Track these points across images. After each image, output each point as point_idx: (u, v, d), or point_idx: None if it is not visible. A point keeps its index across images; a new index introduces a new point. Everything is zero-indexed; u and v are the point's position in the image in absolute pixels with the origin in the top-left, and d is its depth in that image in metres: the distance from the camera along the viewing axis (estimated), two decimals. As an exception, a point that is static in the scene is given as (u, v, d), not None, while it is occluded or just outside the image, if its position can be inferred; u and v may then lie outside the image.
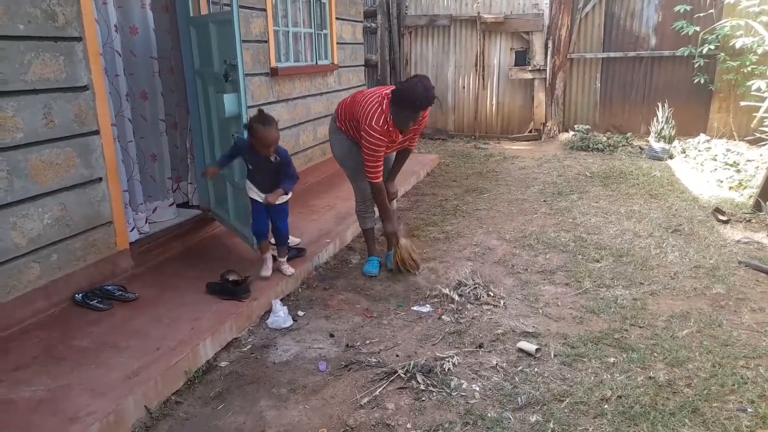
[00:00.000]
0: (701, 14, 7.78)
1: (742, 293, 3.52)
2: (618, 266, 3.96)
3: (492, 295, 3.55)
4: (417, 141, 3.86)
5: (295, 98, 5.82)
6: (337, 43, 6.72)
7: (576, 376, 2.69)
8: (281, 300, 3.46)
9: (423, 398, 2.55)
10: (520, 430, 2.33)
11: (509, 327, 3.17)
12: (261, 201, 3.47)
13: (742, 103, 7.16)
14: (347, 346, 3.03)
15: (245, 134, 3.36)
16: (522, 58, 9.03)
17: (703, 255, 4.11)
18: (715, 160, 6.81)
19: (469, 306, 3.43)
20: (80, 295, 3.22)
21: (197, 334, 2.91)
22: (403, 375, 2.70)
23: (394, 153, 3.87)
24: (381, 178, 3.60)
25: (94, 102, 3.35)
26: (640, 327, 3.14)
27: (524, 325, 3.19)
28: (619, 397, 2.50)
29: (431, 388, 2.61)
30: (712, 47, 7.68)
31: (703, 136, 7.79)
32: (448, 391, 2.59)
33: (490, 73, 9.27)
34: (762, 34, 6.81)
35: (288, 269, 3.68)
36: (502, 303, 3.46)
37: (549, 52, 8.72)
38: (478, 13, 8.98)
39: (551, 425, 2.34)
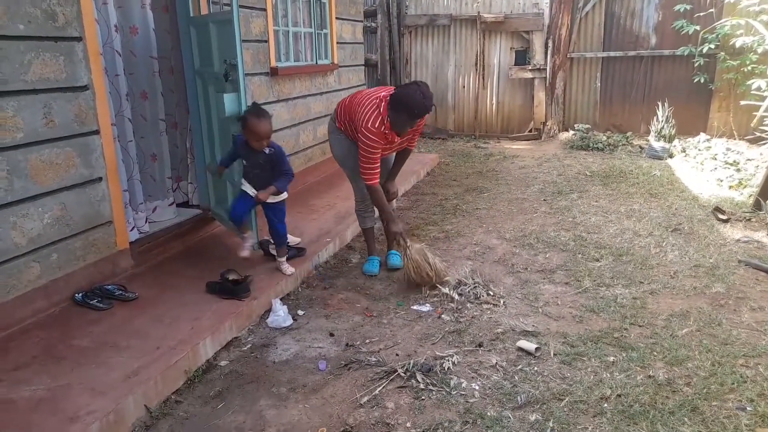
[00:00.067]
0: (701, 13, 7.78)
1: (741, 292, 3.52)
2: (618, 265, 3.97)
3: (492, 294, 3.55)
4: (417, 141, 3.86)
5: (295, 98, 5.83)
6: (337, 43, 6.73)
7: (575, 375, 2.69)
8: (281, 299, 3.46)
9: (423, 397, 2.55)
10: (519, 428, 2.33)
11: (509, 326, 3.17)
12: (251, 194, 3.47)
13: (742, 102, 7.16)
14: (347, 345, 3.03)
15: (240, 128, 3.37)
16: (522, 58, 9.03)
17: (703, 254, 4.12)
18: (715, 159, 6.80)
19: (468, 305, 3.43)
20: (80, 294, 3.23)
21: (197, 333, 2.91)
22: (402, 374, 2.70)
23: (394, 153, 3.87)
24: (377, 180, 3.58)
25: (94, 102, 3.36)
26: (640, 326, 3.14)
27: (524, 324, 3.19)
28: (619, 395, 2.50)
29: (431, 387, 2.61)
30: (712, 46, 7.68)
31: (703, 135, 7.79)
32: (448, 390, 2.59)
33: (490, 72, 9.27)
34: (762, 33, 6.81)
35: (288, 268, 3.68)
36: (501, 302, 3.46)
37: (549, 52, 8.72)
38: (478, 12, 8.98)
39: (551, 424, 2.34)
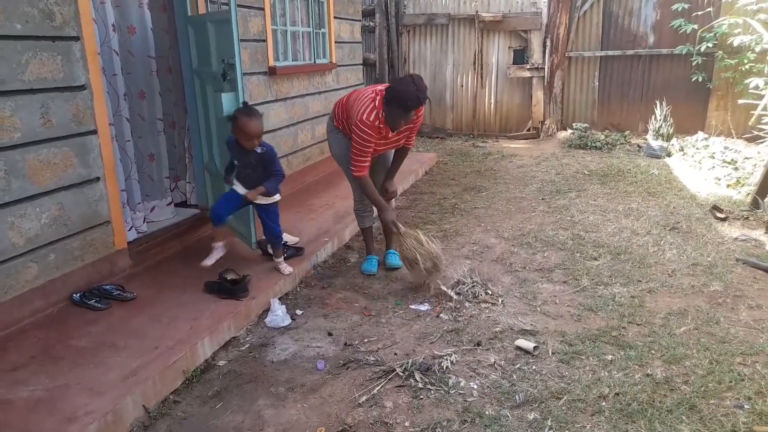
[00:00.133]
0: (699, 12, 7.79)
1: (739, 290, 3.52)
2: (616, 264, 3.97)
3: (490, 293, 3.56)
4: (414, 139, 3.85)
5: (293, 97, 5.82)
6: (336, 42, 6.72)
7: (574, 373, 2.69)
8: (279, 299, 3.46)
9: (421, 396, 2.55)
10: (518, 427, 2.33)
11: (507, 325, 3.17)
12: (241, 193, 3.46)
13: (740, 101, 7.17)
14: (345, 344, 3.03)
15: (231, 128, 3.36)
16: (520, 57, 9.03)
17: (701, 252, 4.12)
18: (713, 157, 6.81)
19: (467, 304, 3.43)
20: (78, 294, 3.22)
21: (195, 333, 2.91)
22: (401, 373, 2.70)
23: (392, 151, 3.87)
24: (365, 173, 3.59)
25: (92, 101, 3.35)
26: (638, 324, 3.15)
27: (522, 323, 3.19)
28: (617, 394, 2.51)
29: (429, 387, 2.61)
30: (710, 45, 7.68)
31: (701, 134, 7.79)
32: (446, 389, 2.59)
33: (489, 71, 9.27)
34: (760, 32, 6.81)
35: (286, 268, 3.68)
36: (500, 301, 3.46)
37: (547, 51, 8.73)
38: (477, 11, 8.98)
39: (549, 423, 2.34)
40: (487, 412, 2.42)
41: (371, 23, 9.41)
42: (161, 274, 3.68)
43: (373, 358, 2.87)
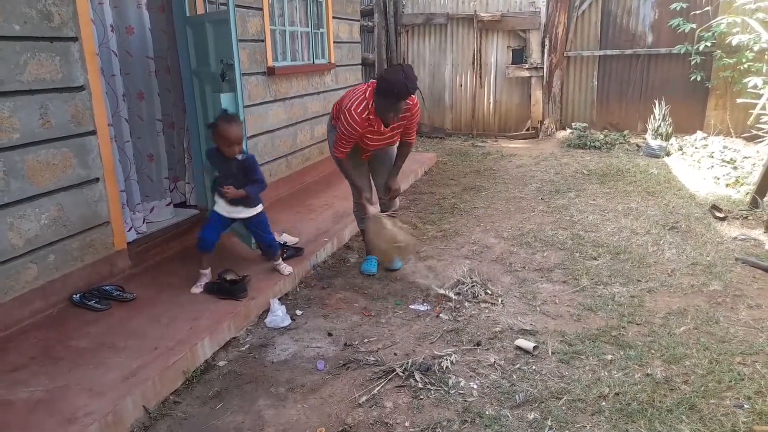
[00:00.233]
0: (697, 11, 7.79)
1: (738, 290, 3.53)
2: (615, 264, 3.97)
3: (490, 293, 3.56)
4: (415, 135, 3.83)
5: (292, 97, 5.82)
6: (334, 42, 6.72)
7: (573, 373, 2.69)
8: (279, 299, 3.46)
9: (421, 396, 2.56)
10: (517, 427, 2.34)
11: (507, 325, 3.17)
12: (225, 214, 3.41)
13: (739, 101, 7.17)
14: (345, 344, 3.03)
15: (211, 136, 3.33)
16: (519, 57, 9.03)
17: (700, 252, 4.12)
18: (712, 157, 6.82)
19: (467, 304, 3.43)
20: (78, 295, 3.22)
21: (195, 333, 2.91)
22: (401, 373, 2.71)
23: (395, 150, 3.86)
24: (344, 156, 3.60)
25: (91, 102, 3.35)
26: (638, 324, 3.15)
27: (522, 322, 3.19)
28: (617, 394, 2.51)
29: (429, 387, 2.62)
30: (709, 44, 7.68)
31: (699, 134, 7.80)
32: (446, 389, 2.60)
33: (487, 71, 9.27)
34: (758, 31, 6.81)
35: (285, 268, 3.68)
36: (499, 301, 3.46)
37: (546, 50, 8.73)
38: (475, 11, 8.98)
39: (549, 422, 2.34)
40: (487, 412, 2.43)
41: (370, 23, 9.41)
42: (161, 275, 3.68)
43: (373, 359, 2.87)
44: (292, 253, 3.93)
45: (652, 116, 8.01)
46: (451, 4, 9.25)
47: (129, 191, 3.99)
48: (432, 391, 2.59)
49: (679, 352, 2.82)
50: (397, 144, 3.84)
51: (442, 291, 3.56)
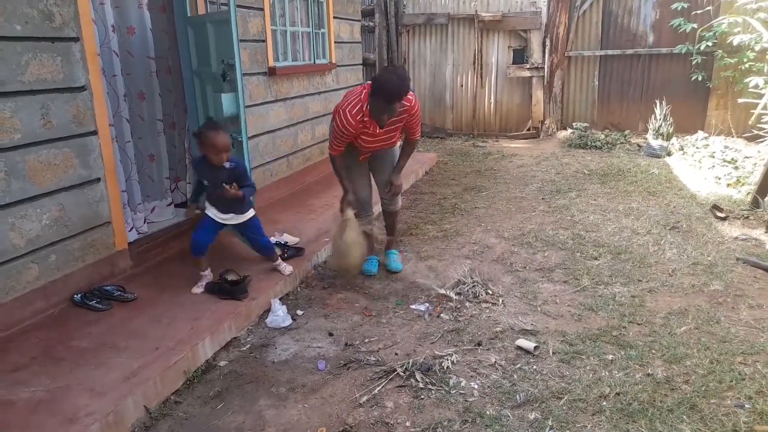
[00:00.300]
0: (698, 11, 7.79)
1: (739, 290, 3.53)
2: (616, 263, 3.97)
3: (491, 293, 3.56)
4: (419, 133, 3.81)
5: (293, 98, 5.82)
6: (335, 42, 6.72)
7: (574, 373, 2.69)
8: (280, 299, 3.47)
9: (422, 396, 2.56)
10: (518, 427, 2.34)
11: (508, 325, 3.17)
12: (217, 220, 3.40)
13: (740, 100, 7.17)
14: (346, 344, 3.03)
15: (198, 146, 3.31)
16: (520, 57, 9.03)
17: (701, 252, 4.12)
18: (713, 157, 6.81)
19: (467, 304, 3.43)
20: (79, 295, 3.22)
21: (196, 333, 2.91)
22: (402, 373, 2.71)
23: (397, 149, 3.86)
24: (337, 153, 3.66)
25: (92, 102, 3.35)
26: (638, 324, 3.15)
27: (523, 322, 3.19)
28: (618, 394, 2.51)
29: (430, 387, 2.62)
30: (710, 44, 7.68)
31: (701, 133, 7.80)
32: (447, 389, 2.60)
33: (488, 71, 9.27)
34: (759, 31, 6.81)
35: (286, 268, 3.68)
36: (500, 301, 3.46)
37: (547, 50, 8.73)
38: (476, 11, 8.98)
39: (550, 422, 2.34)
40: (487, 412, 2.43)
41: (371, 23, 9.41)
42: (162, 275, 3.68)
43: (373, 359, 2.87)
44: (293, 253, 3.93)
45: (653, 116, 8.01)
46: (452, 4, 9.25)
47: (130, 191, 3.99)
48: (433, 391, 2.59)
49: (680, 352, 2.82)
50: (397, 145, 3.85)
51: (442, 291, 3.56)
